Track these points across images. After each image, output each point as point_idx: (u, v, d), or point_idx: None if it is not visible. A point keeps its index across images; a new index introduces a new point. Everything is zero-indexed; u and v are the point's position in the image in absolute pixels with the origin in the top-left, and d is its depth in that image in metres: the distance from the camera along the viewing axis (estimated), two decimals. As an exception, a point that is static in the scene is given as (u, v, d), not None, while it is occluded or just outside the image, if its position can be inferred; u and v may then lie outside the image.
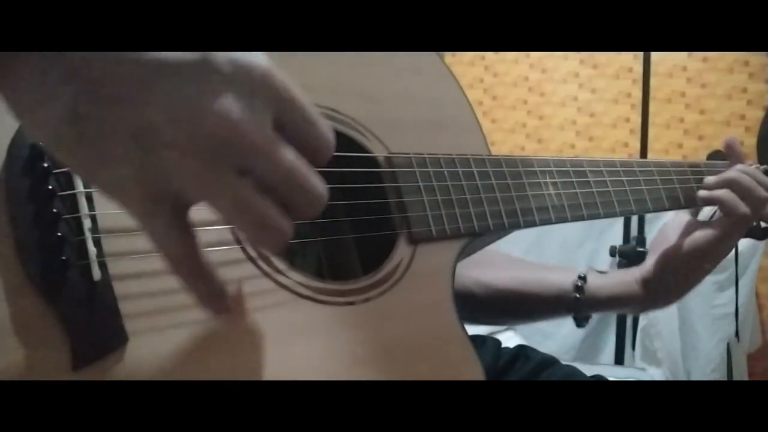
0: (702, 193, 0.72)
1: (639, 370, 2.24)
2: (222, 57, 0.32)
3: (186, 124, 0.31)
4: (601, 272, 0.77)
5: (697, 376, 2.18)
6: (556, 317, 0.79)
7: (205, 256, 0.36)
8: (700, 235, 0.71)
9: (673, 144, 2.63)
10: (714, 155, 0.77)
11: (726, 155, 0.77)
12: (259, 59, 0.33)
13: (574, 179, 0.64)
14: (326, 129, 0.36)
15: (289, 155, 0.34)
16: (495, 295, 0.78)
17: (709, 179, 0.73)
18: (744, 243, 0.82)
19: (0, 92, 0.31)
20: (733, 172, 0.71)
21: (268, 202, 0.34)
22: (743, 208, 0.69)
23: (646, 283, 0.74)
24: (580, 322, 0.77)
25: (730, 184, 0.70)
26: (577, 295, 0.74)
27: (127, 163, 0.32)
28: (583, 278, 0.75)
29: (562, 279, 0.76)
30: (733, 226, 0.70)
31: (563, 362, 0.81)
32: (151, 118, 0.31)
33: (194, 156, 0.32)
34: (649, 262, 0.74)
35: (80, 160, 0.32)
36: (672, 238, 0.73)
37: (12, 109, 0.32)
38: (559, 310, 0.77)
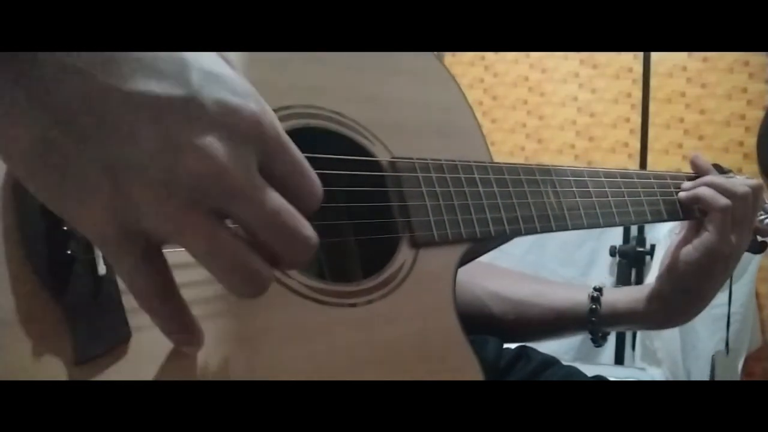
0: (682, 194, 0.73)
1: (639, 370, 2.24)
2: (209, 96, 0.31)
3: (162, 162, 0.30)
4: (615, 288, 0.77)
5: (697, 376, 2.18)
6: (573, 332, 0.78)
7: (174, 293, 0.35)
8: (697, 240, 0.71)
9: (673, 144, 2.63)
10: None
11: (724, 169, 0.78)
12: (249, 101, 0.32)
13: (575, 188, 0.65)
14: (315, 179, 0.35)
15: (274, 200, 0.32)
16: (509, 307, 0.78)
17: (687, 183, 0.74)
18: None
19: None
20: (709, 175, 0.73)
21: (244, 248, 0.32)
22: (722, 200, 0.70)
23: (661, 297, 0.74)
24: (597, 341, 0.76)
25: (707, 183, 0.72)
26: (594, 306, 0.74)
27: (97, 198, 0.30)
28: (598, 290, 0.75)
29: (578, 292, 0.76)
30: (721, 222, 0.70)
31: (563, 362, 0.81)
32: (126, 154, 0.29)
33: (168, 196, 0.30)
34: (660, 276, 0.74)
35: (47, 190, 0.31)
36: (675, 251, 0.74)
37: None
38: (575, 325, 0.76)
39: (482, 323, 0.79)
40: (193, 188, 0.30)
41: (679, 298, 0.74)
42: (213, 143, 0.30)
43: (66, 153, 0.29)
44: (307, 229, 0.33)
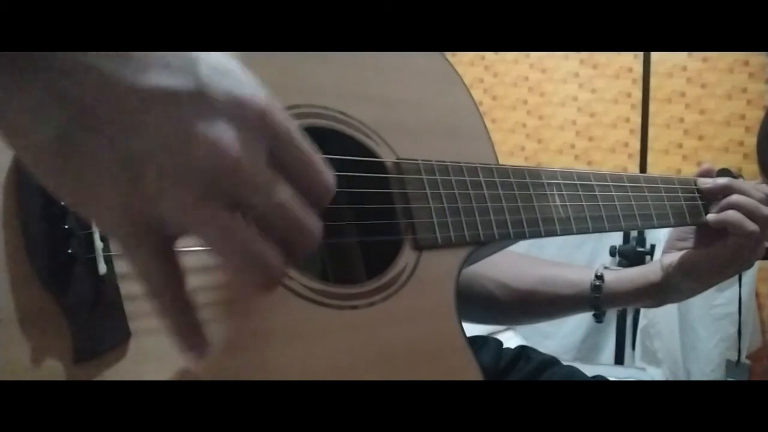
0: (711, 216, 0.74)
1: (639, 370, 2.24)
2: (218, 89, 0.32)
3: (176, 153, 0.30)
4: (616, 269, 0.80)
5: (697, 376, 2.18)
6: (575, 313, 0.82)
7: (186, 290, 0.35)
8: (716, 250, 0.73)
9: (673, 144, 2.63)
10: (722, 173, 0.78)
11: (734, 174, 0.79)
12: (257, 94, 0.33)
13: (581, 192, 0.65)
14: (325, 170, 0.35)
15: (282, 189, 0.33)
16: (516, 297, 0.81)
17: (712, 215, 0.74)
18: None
19: None
20: (736, 196, 0.73)
21: (258, 237, 0.33)
22: (751, 226, 0.71)
23: (665, 282, 0.76)
24: (599, 318, 0.80)
25: (736, 206, 0.72)
26: (596, 295, 0.77)
27: (113, 191, 0.31)
28: (600, 277, 0.77)
29: (581, 278, 0.79)
30: (746, 245, 0.72)
31: (563, 362, 0.81)
32: (139, 146, 0.30)
33: (182, 186, 0.31)
34: (668, 262, 0.76)
35: (64, 185, 0.31)
36: (692, 243, 0.76)
37: None
38: (578, 308, 0.80)
39: (491, 313, 0.83)
40: (206, 179, 0.31)
41: (683, 287, 0.76)
42: (224, 134, 0.31)
43: (83, 147, 0.30)
44: (314, 220, 0.35)
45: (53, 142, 0.30)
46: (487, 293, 0.80)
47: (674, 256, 0.76)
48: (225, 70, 0.32)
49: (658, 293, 0.77)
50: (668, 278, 0.75)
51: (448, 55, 0.63)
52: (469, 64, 2.90)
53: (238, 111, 0.32)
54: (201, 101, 0.31)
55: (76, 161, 0.30)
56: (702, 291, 0.77)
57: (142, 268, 0.33)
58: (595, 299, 0.77)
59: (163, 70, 0.31)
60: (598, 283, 0.77)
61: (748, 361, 2.04)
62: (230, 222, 0.32)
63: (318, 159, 0.35)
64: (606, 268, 0.79)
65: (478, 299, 0.80)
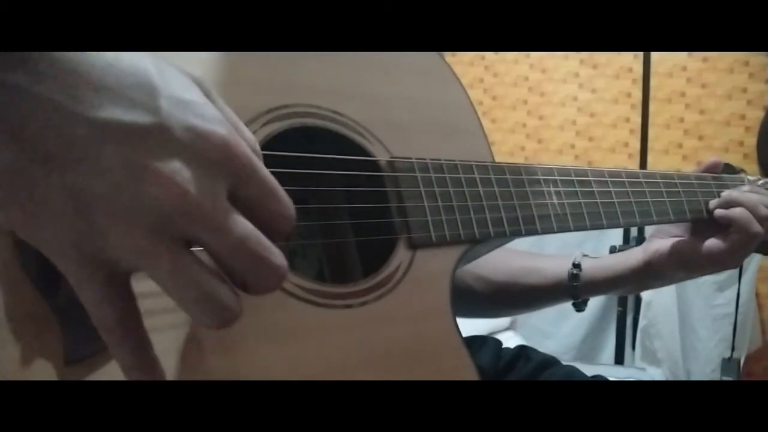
0: (719, 212, 0.73)
1: (639, 370, 2.24)
2: (179, 124, 0.31)
3: (127, 189, 0.30)
4: (595, 257, 0.79)
5: (697, 376, 2.18)
6: (555, 304, 0.81)
7: (139, 328, 0.34)
8: (712, 244, 0.72)
9: (673, 144, 2.63)
10: (724, 169, 0.78)
11: (736, 169, 0.79)
12: (219, 128, 0.32)
13: (578, 189, 0.64)
14: (287, 201, 0.34)
15: (241, 227, 0.32)
16: (493, 289, 0.80)
17: (717, 201, 0.74)
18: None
19: None
20: (737, 192, 0.73)
21: (210, 276, 0.32)
22: (756, 227, 0.71)
23: (649, 267, 0.75)
24: (579, 307, 0.79)
25: (743, 204, 0.72)
26: (574, 284, 0.76)
27: (63, 224, 0.30)
28: (577, 266, 0.77)
29: (559, 267, 0.78)
30: (745, 243, 0.71)
31: (563, 362, 0.81)
32: (91, 181, 0.30)
33: (132, 224, 0.30)
34: (655, 248, 0.75)
35: (14, 216, 0.31)
36: (684, 233, 0.75)
37: None
38: (557, 298, 0.79)
39: (469, 306, 0.82)
40: (157, 216, 0.30)
41: (668, 275, 0.76)
42: (179, 169, 0.30)
43: (33, 179, 0.29)
44: (277, 257, 0.33)
45: (3, 174, 0.29)
46: (465, 286, 0.79)
47: (664, 243, 0.75)
48: (187, 102, 0.32)
49: (640, 279, 0.76)
50: (653, 264, 0.75)
51: (448, 55, 0.63)
52: (469, 64, 2.90)
53: (198, 146, 0.31)
54: (158, 136, 0.30)
55: (26, 193, 0.29)
56: (686, 280, 0.76)
57: (91, 304, 0.32)
58: (572, 288, 0.76)
59: (120, 104, 0.30)
60: (575, 272, 0.76)
61: (738, 358, 2.04)
62: (180, 260, 0.31)
63: (279, 189, 0.34)
64: (585, 255, 0.78)
65: (455, 292, 0.80)
